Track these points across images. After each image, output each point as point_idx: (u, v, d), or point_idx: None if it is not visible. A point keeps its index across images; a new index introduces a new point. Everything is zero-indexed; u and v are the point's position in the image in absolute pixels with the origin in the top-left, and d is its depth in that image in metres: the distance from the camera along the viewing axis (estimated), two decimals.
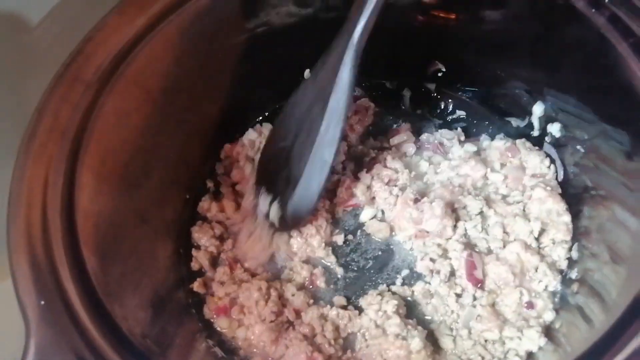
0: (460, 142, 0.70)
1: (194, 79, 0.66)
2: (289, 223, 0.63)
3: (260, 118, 0.77)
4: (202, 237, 0.65)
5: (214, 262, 0.65)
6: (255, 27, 0.67)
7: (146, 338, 0.44)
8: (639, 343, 0.35)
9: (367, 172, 0.68)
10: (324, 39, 0.65)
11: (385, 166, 0.68)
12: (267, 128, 0.74)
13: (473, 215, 0.63)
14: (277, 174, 0.62)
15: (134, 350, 0.41)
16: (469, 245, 0.61)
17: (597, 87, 0.56)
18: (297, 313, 0.60)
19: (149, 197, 0.62)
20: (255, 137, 0.73)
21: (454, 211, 0.63)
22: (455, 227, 0.62)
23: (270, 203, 0.63)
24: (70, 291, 0.42)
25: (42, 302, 0.41)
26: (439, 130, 0.72)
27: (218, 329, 0.60)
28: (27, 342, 0.39)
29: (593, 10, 0.53)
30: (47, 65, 0.56)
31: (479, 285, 0.59)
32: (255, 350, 0.58)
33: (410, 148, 0.71)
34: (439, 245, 0.62)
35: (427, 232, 0.62)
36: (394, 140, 0.72)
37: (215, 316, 0.60)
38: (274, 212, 0.62)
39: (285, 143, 0.63)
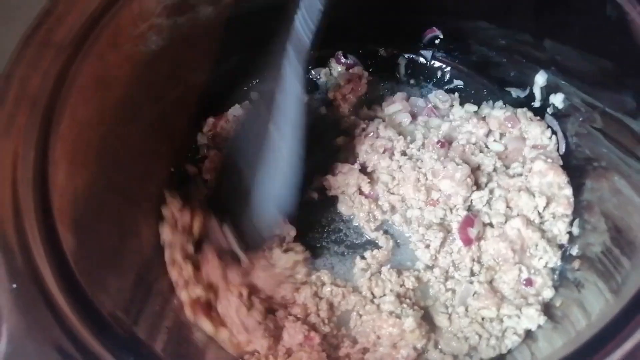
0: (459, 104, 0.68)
1: (177, 47, 0.61)
2: (250, 245, 0.58)
3: (246, 89, 0.73)
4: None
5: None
6: None
7: (129, 323, 0.41)
8: None
9: (360, 145, 0.65)
10: None
11: (379, 136, 0.65)
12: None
13: (484, 182, 0.61)
14: (234, 201, 0.58)
15: (117, 337, 0.38)
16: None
17: (606, 53, 0.53)
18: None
19: (131, 172, 0.58)
20: (241, 113, 0.69)
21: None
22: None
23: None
24: (46, 273, 0.39)
25: (14, 286, 0.38)
26: (433, 92, 0.70)
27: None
28: None
29: None
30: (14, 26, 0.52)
31: (468, 245, 0.56)
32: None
33: (405, 118, 0.68)
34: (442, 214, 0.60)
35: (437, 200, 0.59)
36: (389, 110, 0.69)
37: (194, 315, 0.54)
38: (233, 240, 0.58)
39: (237, 170, 0.58)
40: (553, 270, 0.57)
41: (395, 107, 0.69)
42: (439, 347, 0.55)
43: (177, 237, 0.57)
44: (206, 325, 0.54)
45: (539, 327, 0.53)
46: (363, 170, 0.64)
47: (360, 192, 0.62)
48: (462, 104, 0.69)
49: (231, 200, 0.59)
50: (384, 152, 0.63)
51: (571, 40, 0.56)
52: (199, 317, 0.54)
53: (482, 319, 0.55)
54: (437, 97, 0.69)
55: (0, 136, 0.45)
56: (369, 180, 0.62)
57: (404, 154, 0.64)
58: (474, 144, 0.64)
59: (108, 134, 0.55)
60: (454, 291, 0.57)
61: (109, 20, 0.53)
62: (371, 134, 0.65)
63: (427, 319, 0.56)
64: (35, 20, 0.51)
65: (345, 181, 0.62)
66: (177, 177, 0.66)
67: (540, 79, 0.63)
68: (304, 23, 0.51)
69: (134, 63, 0.57)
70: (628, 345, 0.33)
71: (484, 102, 0.69)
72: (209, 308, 0.55)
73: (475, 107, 0.67)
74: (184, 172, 0.67)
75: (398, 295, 0.56)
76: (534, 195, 0.59)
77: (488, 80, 0.70)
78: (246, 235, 0.57)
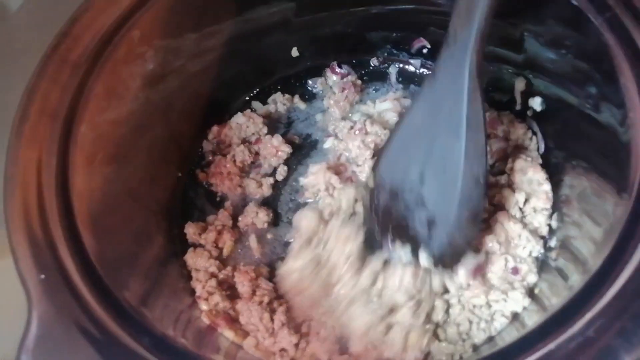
0: None
1: (183, 59, 0.66)
2: (448, 260, 0.58)
3: (247, 98, 0.78)
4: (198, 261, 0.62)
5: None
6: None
7: (143, 307, 0.46)
8: (608, 300, 0.38)
9: (352, 141, 0.70)
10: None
11: (367, 132, 0.70)
12: (255, 111, 0.76)
13: None
14: (406, 219, 0.57)
15: (132, 320, 0.42)
16: None
17: (575, 61, 0.57)
18: None
19: (142, 176, 0.63)
20: (243, 121, 0.74)
21: None
22: None
23: (413, 251, 0.58)
24: (69, 265, 0.44)
25: (42, 276, 0.42)
26: None
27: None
28: (30, 315, 0.41)
29: None
30: (29, 51, 0.57)
31: None
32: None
33: (393, 117, 0.73)
34: None
35: None
36: (380, 107, 0.74)
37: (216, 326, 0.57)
38: (424, 259, 0.57)
39: (405, 184, 0.57)
40: (536, 258, 0.61)
41: (386, 105, 0.74)
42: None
43: (202, 260, 0.62)
44: (229, 334, 0.57)
45: (524, 308, 0.57)
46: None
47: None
48: None
49: (405, 224, 0.58)
50: (374, 148, 0.68)
51: (545, 48, 0.61)
52: (222, 328, 0.57)
53: (473, 306, 0.59)
54: None
55: (25, 146, 0.50)
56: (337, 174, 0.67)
57: None
58: None
59: (121, 142, 0.60)
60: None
61: (119, 39, 0.58)
62: (357, 131, 0.70)
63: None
64: (54, 40, 0.57)
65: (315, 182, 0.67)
66: (184, 182, 0.71)
67: (519, 84, 0.68)
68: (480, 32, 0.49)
69: (144, 77, 0.62)
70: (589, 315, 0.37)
71: None
72: (231, 320, 0.58)
73: None
74: (191, 177, 0.72)
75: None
76: (513, 191, 0.63)
77: None
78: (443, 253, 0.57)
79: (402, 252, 0.58)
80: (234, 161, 0.71)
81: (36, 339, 0.40)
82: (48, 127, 0.52)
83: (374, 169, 0.61)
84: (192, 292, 0.60)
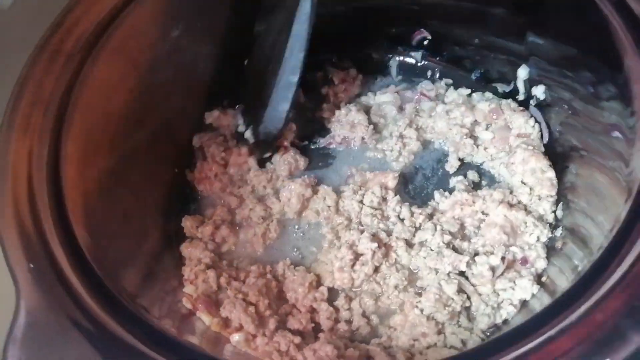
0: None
1: (180, 51, 0.65)
2: (261, 138, 0.69)
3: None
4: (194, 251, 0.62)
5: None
6: None
7: (136, 298, 0.45)
8: (615, 281, 0.36)
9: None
10: None
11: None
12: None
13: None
14: (252, 96, 0.69)
15: (124, 311, 0.41)
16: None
17: (580, 47, 0.56)
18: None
19: (137, 170, 0.62)
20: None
21: None
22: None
23: (246, 124, 0.70)
24: (59, 255, 0.43)
25: (32, 265, 0.41)
26: (420, 83, 0.75)
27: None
28: (18, 305, 0.40)
29: None
30: (21, 49, 0.55)
31: None
32: None
33: (392, 110, 0.72)
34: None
35: None
36: (380, 98, 0.73)
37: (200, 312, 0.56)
38: (249, 133, 0.69)
39: (259, 67, 0.68)
40: (545, 244, 0.59)
41: (386, 97, 0.73)
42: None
43: (197, 251, 0.61)
44: (206, 319, 0.56)
45: (533, 295, 0.55)
46: None
47: None
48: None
49: (250, 97, 0.71)
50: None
51: (549, 36, 0.59)
52: (200, 312, 0.56)
53: (480, 294, 0.58)
54: (425, 87, 0.73)
55: (17, 136, 0.49)
56: None
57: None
58: (465, 134, 0.67)
59: (116, 135, 0.59)
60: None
61: (114, 30, 0.57)
62: (343, 115, 0.71)
63: None
64: (47, 31, 0.56)
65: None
66: (181, 177, 0.70)
67: (522, 72, 0.66)
68: None
69: (139, 69, 0.61)
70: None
71: (474, 93, 0.72)
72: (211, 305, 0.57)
73: (468, 91, 0.72)
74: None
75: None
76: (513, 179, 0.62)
77: (475, 76, 0.73)
78: (258, 127, 0.68)
79: (242, 121, 0.71)
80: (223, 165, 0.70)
81: (25, 330, 0.39)
82: (40, 117, 0.51)
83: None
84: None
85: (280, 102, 0.65)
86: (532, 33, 0.61)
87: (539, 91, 0.65)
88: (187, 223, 0.64)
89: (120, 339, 0.39)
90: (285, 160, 0.69)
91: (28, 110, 0.51)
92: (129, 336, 0.39)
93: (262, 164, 0.70)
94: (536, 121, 0.66)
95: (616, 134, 0.50)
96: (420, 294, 0.58)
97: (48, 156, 0.49)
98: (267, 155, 0.70)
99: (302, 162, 0.70)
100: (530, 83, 0.66)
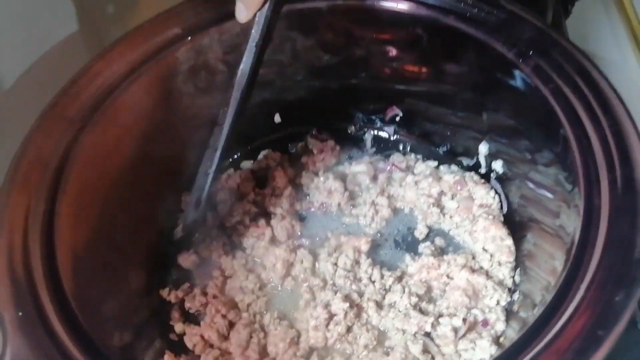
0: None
1: (173, 122, 0.71)
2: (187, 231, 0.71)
3: (230, 160, 0.83)
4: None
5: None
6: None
7: (119, 352, 0.47)
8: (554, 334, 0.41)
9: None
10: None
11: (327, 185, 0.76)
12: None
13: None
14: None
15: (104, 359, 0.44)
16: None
17: (526, 126, 0.63)
18: None
19: (125, 229, 0.66)
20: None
21: None
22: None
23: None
24: (47, 305, 0.46)
25: (20, 314, 0.44)
26: (392, 155, 0.81)
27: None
28: (4, 350, 0.42)
29: (520, 60, 0.61)
30: (21, 126, 0.60)
31: None
32: None
33: (365, 180, 0.78)
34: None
35: None
36: (354, 168, 0.79)
37: None
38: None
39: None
40: (504, 308, 0.63)
41: (360, 167, 0.79)
42: None
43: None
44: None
45: (491, 356, 0.59)
46: None
47: None
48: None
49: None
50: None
51: (501, 115, 0.67)
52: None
53: (443, 354, 0.61)
54: (396, 159, 0.80)
55: (16, 193, 0.54)
56: None
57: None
58: (432, 203, 0.73)
59: (109, 196, 0.63)
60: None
61: (112, 100, 0.63)
62: (321, 182, 0.77)
63: None
64: (53, 99, 0.62)
65: None
66: (165, 238, 0.73)
67: (483, 148, 0.73)
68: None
69: (132, 137, 0.67)
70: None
71: (442, 165, 0.79)
72: None
73: (435, 163, 0.78)
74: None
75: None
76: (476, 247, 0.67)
77: (442, 151, 0.80)
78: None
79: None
80: None
81: None
82: (39, 176, 0.56)
83: None
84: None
85: (196, 192, 0.67)
86: (487, 112, 0.69)
87: (497, 165, 0.72)
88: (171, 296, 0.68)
89: None
90: (283, 227, 0.73)
91: (28, 169, 0.56)
92: None
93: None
94: (496, 193, 0.72)
95: (560, 203, 0.56)
96: (388, 354, 0.61)
97: (43, 212, 0.53)
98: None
99: (297, 227, 0.74)
100: (490, 158, 0.73)
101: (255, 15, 0.57)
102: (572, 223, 0.52)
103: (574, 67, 0.58)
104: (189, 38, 0.67)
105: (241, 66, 0.60)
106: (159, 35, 0.68)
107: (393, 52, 0.75)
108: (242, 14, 0.57)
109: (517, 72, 0.61)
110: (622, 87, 0.56)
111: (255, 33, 0.58)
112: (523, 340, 0.41)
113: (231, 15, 0.61)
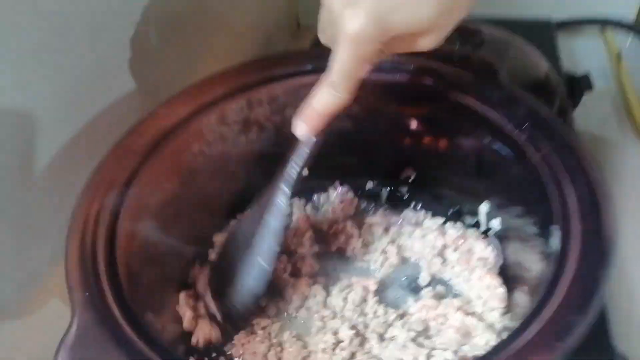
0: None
1: (216, 162, 0.84)
2: (232, 319, 0.74)
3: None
4: None
5: None
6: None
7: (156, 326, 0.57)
8: None
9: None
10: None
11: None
12: None
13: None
14: (222, 281, 0.74)
15: (153, 339, 0.53)
16: None
17: (521, 189, 0.74)
18: None
19: (163, 251, 0.76)
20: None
21: None
22: None
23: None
24: (107, 291, 0.55)
25: (87, 294, 0.54)
26: (405, 210, 0.91)
27: None
28: (72, 321, 0.52)
29: (516, 131, 0.72)
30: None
31: None
32: None
33: (380, 231, 0.87)
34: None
35: None
36: (370, 220, 0.89)
37: None
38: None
39: (231, 254, 0.76)
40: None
41: (375, 219, 0.89)
42: None
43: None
44: None
45: None
46: None
47: None
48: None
49: (222, 279, 0.75)
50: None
51: (499, 181, 0.78)
52: None
53: None
54: (407, 214, 0.90)
55: (86, 204, 0.65)
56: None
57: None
58: (436, 254, 0.82)
59: (156, 220, 0.74)
60: None
61: (172, 139, 0.76)
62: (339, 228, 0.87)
63: None
64: (121, 135, 0.75)
65: None
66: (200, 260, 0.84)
67: (483, 208, 0.83)
68: (292, 170, 0.70)
69: (179, 173, 0.79)
70: None
71: (448, 222, 0.88)
72: None
73: (442, 220, 0.88)
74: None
75: None
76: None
77: (448, 210, 0.90)
78: (228, 310, 0.73)
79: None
80: None
81: (74, 339, 0.50)
82: (106, 192, 0.67)
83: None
84: None
85: (253, 287, 0.70)
86: (487, 178, 0.79)
87: (495, 223, 0.81)
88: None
89: (146, 355, 0.50)
90: (302, 265, 0.84)
91: (97, 187, 0.68)
92: (152, 354, 0.50)
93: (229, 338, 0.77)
94: (494, 248, 0.81)
95: (540, 258, 0.65)
96: None
97: (108, 221, 0.65)
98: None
99: (315, 266, 0.84)
100: (489, 216, 0.83)
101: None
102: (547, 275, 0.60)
103: (560, 140, 0.69)
104: (242, 93, 0.81)
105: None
106: (214, 90, 0.82)
107: (413, 124, 0.88)
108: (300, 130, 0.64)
109: (512, 144, 0.73)
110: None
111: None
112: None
113: (277, 78, 0.76)
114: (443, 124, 0.85)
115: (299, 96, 0.64)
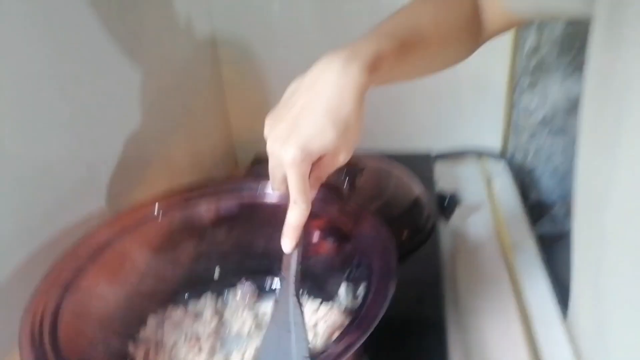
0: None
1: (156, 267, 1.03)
2: None
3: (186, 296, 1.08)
4: None
5: None
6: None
7: None
8: None
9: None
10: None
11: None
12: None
13: None
14: None
15: None
16: None
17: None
18: None
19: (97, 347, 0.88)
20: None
21: None
22: None
23: None
24: None
25: None
26: None
27: None
28: None
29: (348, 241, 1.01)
30: None
31: None
32: None
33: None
34: None
35: None
36: (264, 308, 1.11)
37: None
38: None
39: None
40: None
41: (268, 306, 1.10)
42: None
43: None
44: None
45: None
46: None
47: None
48: None
49: None
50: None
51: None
52: None
53: None
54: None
55: (39, 296, 0.88)
56: None
57: None
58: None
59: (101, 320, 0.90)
60: None
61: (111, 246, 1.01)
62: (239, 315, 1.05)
63: None
64: (76, 243, 0.99)
65: None
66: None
67: (342, 290, 1.05)
68: (295, 279, 0.79)
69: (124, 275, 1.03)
70: None
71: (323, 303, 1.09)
72: None
73: (319, 300, 1.06)
74: None
75: None
76: None
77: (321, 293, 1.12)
78: None
79: None
80: None
81: None
82: (54, 291, 0.90)
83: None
84: None
85: None
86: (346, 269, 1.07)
87: (348, 300, 1.07)
88: None
89: None
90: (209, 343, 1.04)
91: (46, 289, 0.91)
92: None
93: None
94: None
95: None
96: None
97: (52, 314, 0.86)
98: None
99: (218, 345, 1.04)
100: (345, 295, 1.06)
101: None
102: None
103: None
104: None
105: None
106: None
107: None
108: (288, 247, 0.75)
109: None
110: None
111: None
112: None
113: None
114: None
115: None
